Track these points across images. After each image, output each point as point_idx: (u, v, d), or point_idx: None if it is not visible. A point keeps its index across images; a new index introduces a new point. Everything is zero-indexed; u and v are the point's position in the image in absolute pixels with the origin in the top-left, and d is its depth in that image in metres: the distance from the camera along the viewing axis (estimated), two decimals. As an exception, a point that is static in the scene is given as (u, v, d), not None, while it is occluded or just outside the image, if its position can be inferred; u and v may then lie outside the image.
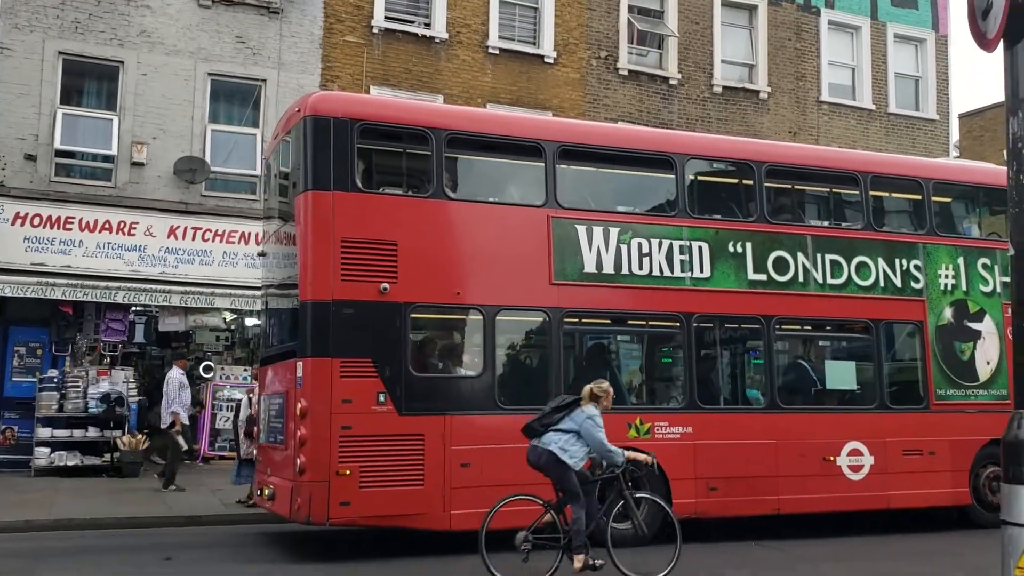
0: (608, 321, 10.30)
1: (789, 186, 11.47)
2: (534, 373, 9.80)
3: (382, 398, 8.73)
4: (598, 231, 9.83)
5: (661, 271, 10.07)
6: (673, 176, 10.35)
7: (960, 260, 11.63)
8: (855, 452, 10.66)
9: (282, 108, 15.60)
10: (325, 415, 8.51)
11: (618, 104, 18.91)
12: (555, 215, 9.68)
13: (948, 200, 12.28)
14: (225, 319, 18.66)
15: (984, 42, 3.29)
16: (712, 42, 20.02)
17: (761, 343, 10.57)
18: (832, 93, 21.28)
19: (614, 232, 9.90)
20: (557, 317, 9.57)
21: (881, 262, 11.15)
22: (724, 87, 20.02)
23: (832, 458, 10.53)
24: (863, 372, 11.15)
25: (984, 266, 11.78)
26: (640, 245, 10.00)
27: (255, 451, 10.86)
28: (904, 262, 11.28)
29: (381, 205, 9.15)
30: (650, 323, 10.45)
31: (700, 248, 10.26)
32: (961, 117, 31.03)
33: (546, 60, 18.44)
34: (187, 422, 13.86)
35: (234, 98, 16.67)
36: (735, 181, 11.09)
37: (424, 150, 9.34)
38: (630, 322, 10.43)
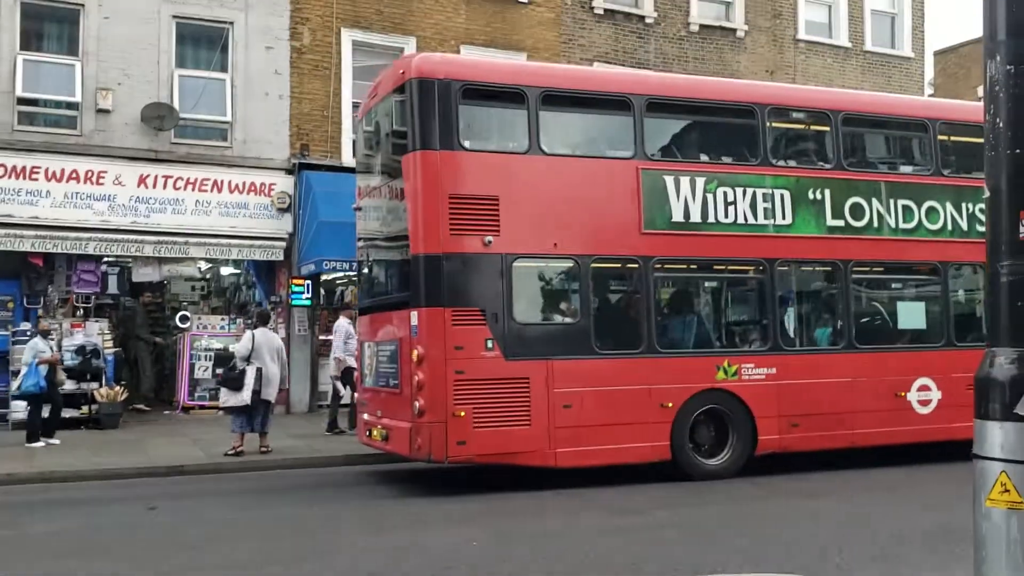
0: (695, 267, 10.76)
1: (863, 133, 11.80)
2: (627, 319, 10.33)
3: (490, 344, 9.29)
4: (685, 181, 10.26)
5: (745, 219, 10.51)
6: (756, 125, 10.73)
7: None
8: (924, 388, 11.18)
9: (251, 51, 16.10)
10: (441, 361, 9.09)
11: (594, 44, 18.68)
12: (644, 167, 10.11)
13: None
14: (200, 268, 18.48)
15: None
16: (688, -20, 19.84)
17: (838, 286, 11.05)
18: (809, 31, 21.10)
19: (700, 182, 10.33)
20: (648, 265, 10.06)
21: (948, 206, 11.53)
22: (701, 25, 19.73)
23: (903, 394, 11.07)
24: (932, 312, 11.62)
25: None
26: (725, 194, 10.43)
27: (230, 400, 11.64)
28: (970, 205, 11.64)
29: (483, 162, 9.61)
30: (735, 269, 10.92)
31: (782, 195, 10.68)
32: (936, 54, 31.13)
33: (520, 0, 18.10)
34: (352, 366, 13.52)
35: (201, 41, 16.31)
36: (813, 129, 11.45)
37: (520, 107, 9.76)
38: (716, 268, 10.90)
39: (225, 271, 19.08)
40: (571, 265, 9.85)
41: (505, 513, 8.47)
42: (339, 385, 13.90)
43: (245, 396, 11.52)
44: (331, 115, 16.68)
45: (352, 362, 13.23)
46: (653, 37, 19.32)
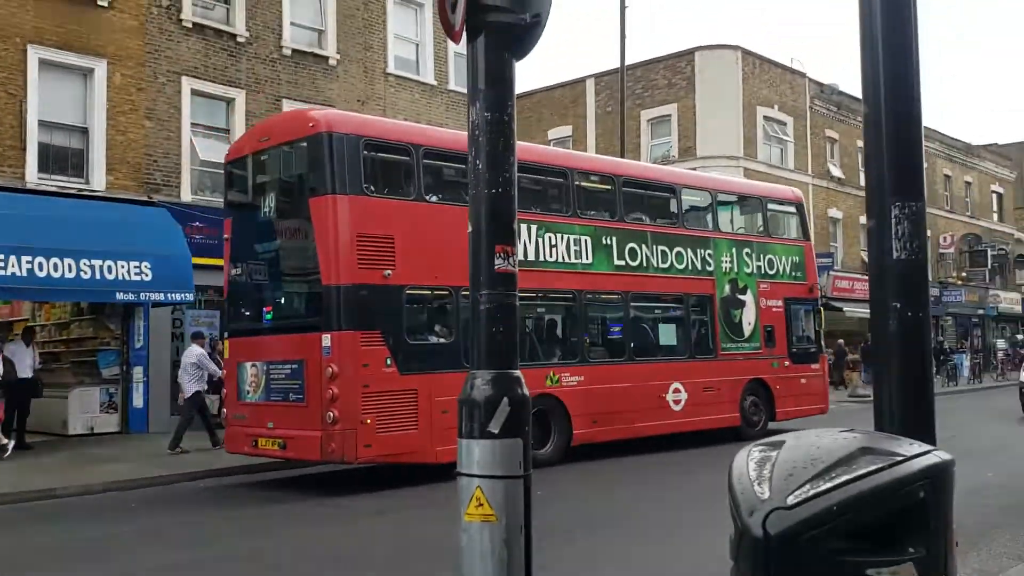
0: (533, 296, 13.23)
1: (637, 194, 15.12)
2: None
3: (389, 362, 11.01)
4: (524, 228, 12.72)
5: (562, 258, 13.23)
6: (568, 184, 13.53)
7: (733, 249, 16.09)
8: (676, 390, 14.69)
9: None
10: (352, 376, 10.65)
11: (182, 58, 18.01)
12: (496, 215, 12.40)
13: (726, 205, 16.73)
14: None
15: (452, 33, 3.53)
16: (281, 2, 19.60)
17: (622, 312, 14.18)
18: (398, 66, 21.76)
19: (534, 228, 12.88)
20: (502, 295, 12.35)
21: (688, 251, 15.24)
22: (294, 50, 19.67)
23: (664, 395, 14.47)
24: (680, 332, 15.22)
25: (746, 253, 16.35)
26: (550, 238, 13.08)
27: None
28: (702, 251, 15.47)
29: (381, 206, 11.31)
30: (557, 298, 13.58)
31: (585, 241, 13.56)
32: None
33: (100, 3, 16.90)
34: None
35: None
36: (605, 189, 14.51)
37: (409, 161, 11.62)
38: (546, 297, 13.48)
39: None
40: (447, 294, 11.87)
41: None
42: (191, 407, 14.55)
43: None
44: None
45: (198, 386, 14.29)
46: (245, 57, 18.91)
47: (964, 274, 42.29)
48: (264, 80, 19.26)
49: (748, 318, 16.28)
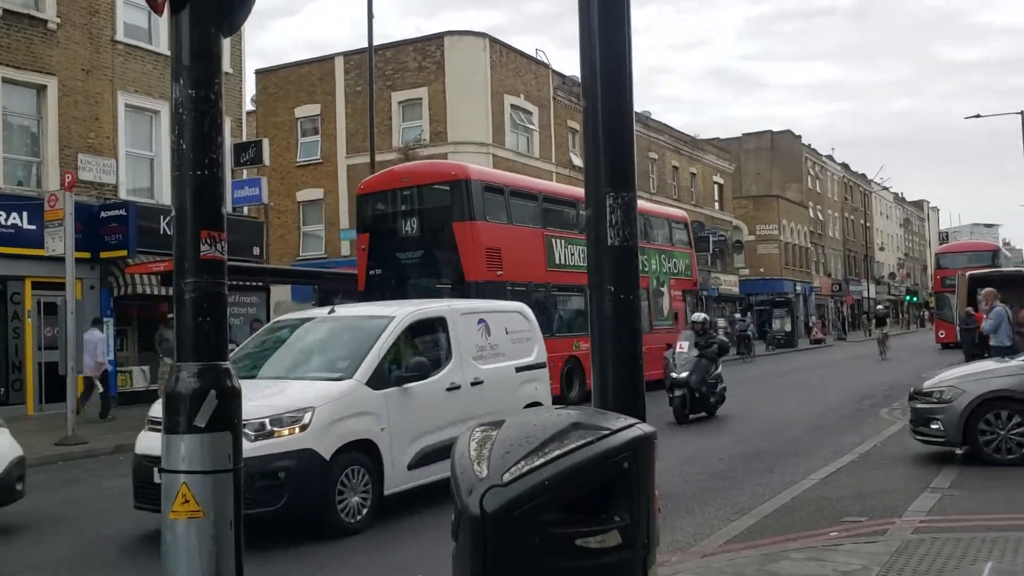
0: (566, 288, 19.08)
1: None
2: (545, 316, 18.21)
3: (505, 330, 16.49)
4: (558, 241, 18.64)
5: (577, 262, 19.24)
6: (576, 211, 19.62)
7: (657, 255, 22.80)
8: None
9: None
10: (489, 340, 16.03)
11: None
12: (546, 233, 18.26)
13: (649, 224, 23.44)
14: None
15: (155, 4, 3.31)
16: (-12, -44, 17.25)
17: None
18: (128, 33, 19.98)
19: (563, 241, 18.81)
20: (551, 287, 18.22)
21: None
22: (5, 10, 17.63)
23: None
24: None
25: (662, 258, 23.14)
26: (571, 248, 19.06)
27: None
28: (642, 257, 22.02)
29: (493, 228, 16.81)
30: (577, 289, 19.51)
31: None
32: (257, 73, 32.89)
33: None
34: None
35: None
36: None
37: (503, 198, 17.20)
38: (571, 289, 19.37)
39: None
40: (525, 287, 17.52)
41: None
42: (98, 383, 16.73)
43: None
44: None
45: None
46: (-55, 17, 16.64)
47: (690, 258, 45.80)
48: (-28, 43, 16.87)
49: (666, 304, 23.10)
